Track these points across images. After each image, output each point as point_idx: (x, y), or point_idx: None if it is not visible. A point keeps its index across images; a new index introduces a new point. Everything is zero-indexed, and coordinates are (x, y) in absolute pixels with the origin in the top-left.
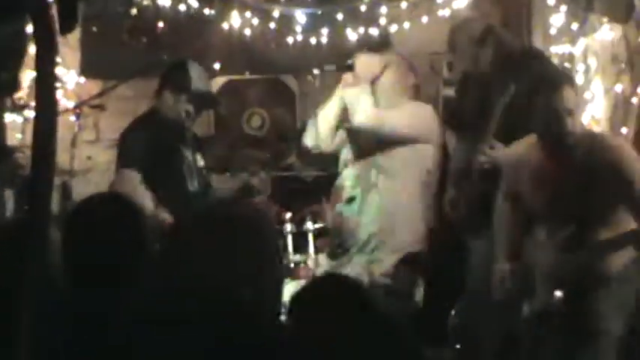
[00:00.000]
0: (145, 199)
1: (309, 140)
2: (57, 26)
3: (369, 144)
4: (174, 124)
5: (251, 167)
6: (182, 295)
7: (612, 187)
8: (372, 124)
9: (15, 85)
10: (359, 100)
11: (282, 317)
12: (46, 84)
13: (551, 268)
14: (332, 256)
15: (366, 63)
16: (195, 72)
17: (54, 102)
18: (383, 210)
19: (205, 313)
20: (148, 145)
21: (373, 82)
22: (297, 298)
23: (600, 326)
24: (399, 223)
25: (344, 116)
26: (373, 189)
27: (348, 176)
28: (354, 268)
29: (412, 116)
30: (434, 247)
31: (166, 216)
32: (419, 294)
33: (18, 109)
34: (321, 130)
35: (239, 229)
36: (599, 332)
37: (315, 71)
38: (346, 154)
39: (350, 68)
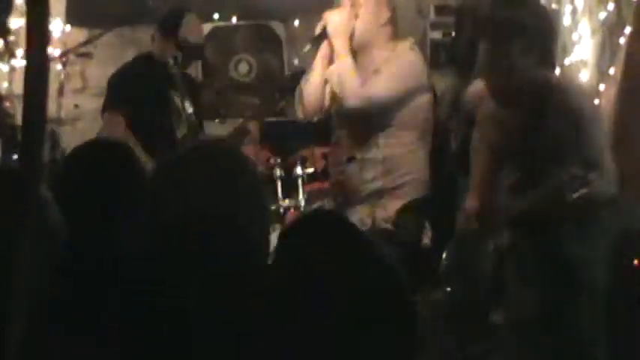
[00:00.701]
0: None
1: (300, 113)
2: None
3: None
4: (164, 69)
5: (246, 112)
6: (167, 237)
7: (560, 137)
8: (362, 108)
9: (2, 32)
10: (342, 79)
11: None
12: (36, 30)
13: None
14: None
15: (336, 23)
16: (188, 22)
17: (45, 49)
18: (385, 165)
19: (187, 256)
20: (136, 87)
21: (350, 40)
22: (284, 233)
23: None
24: (401, 175)
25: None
26: (373, 147)
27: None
28: (356, 215)
29: (401, 80)
30: (437, 192)
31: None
32: (426, 239)
33: (5, 56)
34: (308, 104)
35: (217, 170)
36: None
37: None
38: None
39: (320, 39)
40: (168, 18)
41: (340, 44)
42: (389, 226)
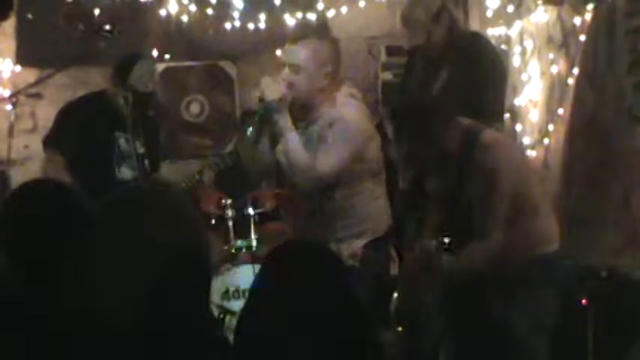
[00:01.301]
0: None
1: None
2: None
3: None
4: (113, 109)
5: (207, 154)
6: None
7: (475, 187)
8: (315, 185)
9: None
10: (290, 160)
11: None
12: None
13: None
14: None
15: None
16: (140, 68)
17: None
18: (345, 216)
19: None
20: (79, 126)
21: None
22: (269, 258)
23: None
24: (363, 221)
25: None
26: (330, 201)
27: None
28: None
29: (349, 143)
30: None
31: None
32: (394, 268)
33: None
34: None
35: (150, 217)
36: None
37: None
38: None
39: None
40: (121, 62)
41: (285, 118)
42: (355, 263)
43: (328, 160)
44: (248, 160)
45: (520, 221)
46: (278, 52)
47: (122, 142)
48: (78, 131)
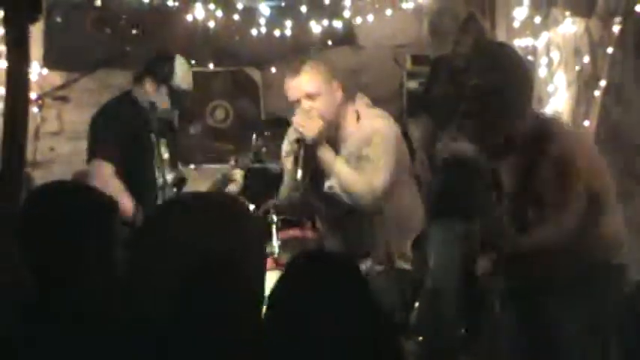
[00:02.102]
0: (121, 193)
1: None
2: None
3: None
4: (146, 113)
5: (230, 159)
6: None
7: (546, 172)
8: (377, 203)
9: None
10: (347, 186)
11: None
12: (17, 77)
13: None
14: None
15: (313, 134)
16: (180, 68)
17: (26, 94)
18: (392, 224)
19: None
20: (122, 133)
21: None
22: (290, 266)
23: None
24: (408, 222)
25: None
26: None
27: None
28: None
29: (389, 155)
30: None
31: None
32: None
33: None
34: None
35: (221, 220)
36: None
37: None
38: None
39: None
40: (160, 65)
41: (326, 154)
42: (407, 266)
43: (381, 177)
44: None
45: (591, 216)
46: (288, 84)
47: (161, 146)
48: (121, 139)
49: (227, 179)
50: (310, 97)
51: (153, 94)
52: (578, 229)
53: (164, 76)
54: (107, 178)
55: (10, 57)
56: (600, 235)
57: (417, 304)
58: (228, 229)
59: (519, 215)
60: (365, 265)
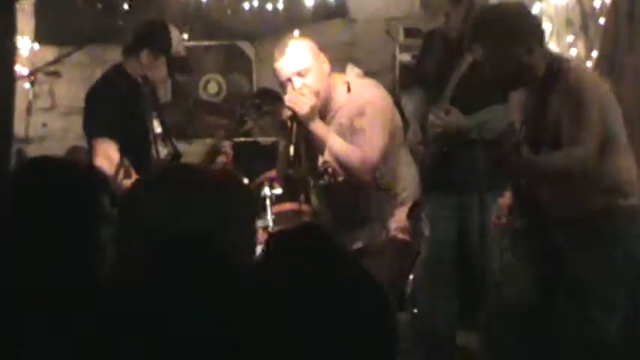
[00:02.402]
0: (128, 170)
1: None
2: None
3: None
4: (138, 88)
5: (217, 133)
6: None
7: (563, 100)
8: (372, 173)
9: None
10: (342, 158)
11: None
12: (3, 50)
13: None
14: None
15: (305, 109)
16: (174, 35)
17: (12, 68)
18: (390, 192)
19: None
20: (117, 108)
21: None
22: (272, 242)
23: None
24: (404, 190)
25: None
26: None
27: None
28: (366, 228)
29: (382, 123)
30: None
31: None
32: (427, 231)
33: None
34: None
35: (203, 194)
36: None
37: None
38: None
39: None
40: (157, 34)
41: (319, 129)
42: (406, 236)
43: (375, 147)
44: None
45: (605, 151)
46: (276, 66)
47: (154, 121)
48: (121, 116)
49: (216, 151)
50: (300, 74)
51: (150, 65)
52: (593, 159)
53: (162, 46)
54: (113, 156)
55: None
56: (614, 173)
57: (411, 276)
58: (211, 204)
59: (535, 148)
60: (363, 239)
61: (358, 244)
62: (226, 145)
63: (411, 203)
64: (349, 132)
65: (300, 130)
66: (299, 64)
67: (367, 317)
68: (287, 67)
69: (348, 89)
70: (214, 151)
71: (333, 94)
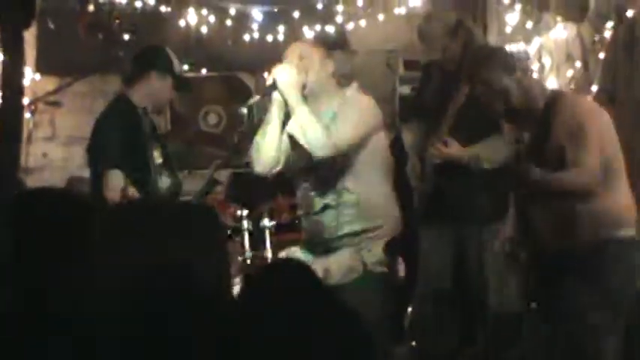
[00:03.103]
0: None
1: (258, 167)
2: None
3: (330, 172)
4: (141, 117)
5: (215, 162)
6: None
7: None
8: (331, 155)
9: None
10: (305, 130)
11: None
12: (12, 82)
13: None
14: (310, 250)
15: (286, 77)
16: (173, 56)
17: (20, 98)
18: (361, 207)
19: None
20: (125, 139)
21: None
22: (250, 280)
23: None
24: (378, 216)
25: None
26: (345, 192)
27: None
28: (342, 258)
29: (361, 122)
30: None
31: None
32: (401, 271)
33: None
34: (266, 157)
35: (175, 224)
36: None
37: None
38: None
39: (271, 90)
40: (158, 55)
41: (294, 97)
42: (384, 269)
43: (344, 131)
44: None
45: (605, 179)
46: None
47: (155, 152)
48: (129, 148)
49: (213, 181)
50: (301, 57)
51: (161, 87)
52: (596, 182)
53: (167, 65)
54: (123, 187)
55: (4, 61)
56: (611, 204)
57: (409, 309)
58: (178, 238)
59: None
60: (338, 270)
61: (334, 278)
62: (221, 175)
63: (389, 237)
64: (329, 122)
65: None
66: (303, 51)
67: (345, 348)
68: (291, 51)
69: (344, 94)
70: (213, 181)
71: (328, 98)
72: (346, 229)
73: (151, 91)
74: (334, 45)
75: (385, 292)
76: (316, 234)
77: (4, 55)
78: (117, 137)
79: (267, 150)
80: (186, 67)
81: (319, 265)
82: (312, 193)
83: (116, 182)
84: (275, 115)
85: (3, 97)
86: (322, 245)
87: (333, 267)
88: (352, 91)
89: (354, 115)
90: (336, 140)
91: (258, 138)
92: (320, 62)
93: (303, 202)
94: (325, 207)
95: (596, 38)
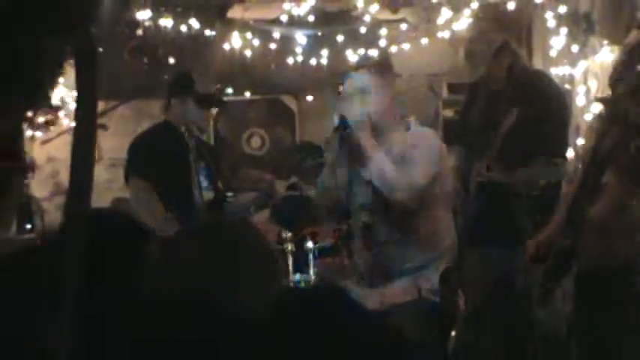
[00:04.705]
0: (156, 208)
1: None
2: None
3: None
4: (182, 136)
5: (261, 184)
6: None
7: None
8: (410, 198)
9: (45, 102)
10: (383, 175)
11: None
12: (87, 104)
13: None
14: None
15: (358, 118)
16: (197, 78)
17: (94, 121)
18: (423, 244)
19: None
20: (158, 152)
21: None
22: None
23: None
24: (438, 249)
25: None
26: (410, 229)
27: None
28: (398, 283)
29: (433, 162)
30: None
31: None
32: (462, 304)
33: (42, 125)
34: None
35: (225, 247)
36: None
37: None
38: None
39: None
40: (178, 79)
41: (370, 142)
42: (436, 298)
43: (421, 174)
44: (330, 185)
45: None
46: (341, 84)
47: (200, 167)
48: (157, 158)
49: (262, 200)
50: (362, 91)
51: (183, 110)
52: None
53: (185, 88)
54: (145, 194)
55: (79, 81)
56: None
57: (453, 333)
58: (215, 259)
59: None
60: (392, 294)
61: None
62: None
63: (441, 260)
64: (399, 162)
65: (344, 144)
66: (365, 82)
67: None
68: (354, 81)
69: (408, 129)
70: (262, 200)
71: (392, 125)
72: (408, 264)
73: (179, 114)
74: (387, 67)
75: (435, 321)
76: (375, 267)
77: (80, 76)
78: (146, 149)
79: (328, 197)
80: (230, 90)
81: (375, 291)
82: (377, 228)
83: (135, 187)
84: (344, 157)
85: (78, 120)
86: (380, 278)
87: (388, 291)
88: (413, 125)
89: (426, 153)
90: (418, 184)
91: (326, 180)
92: (382, 91)
93: (362, 235)
94: (390, 242)
95: None
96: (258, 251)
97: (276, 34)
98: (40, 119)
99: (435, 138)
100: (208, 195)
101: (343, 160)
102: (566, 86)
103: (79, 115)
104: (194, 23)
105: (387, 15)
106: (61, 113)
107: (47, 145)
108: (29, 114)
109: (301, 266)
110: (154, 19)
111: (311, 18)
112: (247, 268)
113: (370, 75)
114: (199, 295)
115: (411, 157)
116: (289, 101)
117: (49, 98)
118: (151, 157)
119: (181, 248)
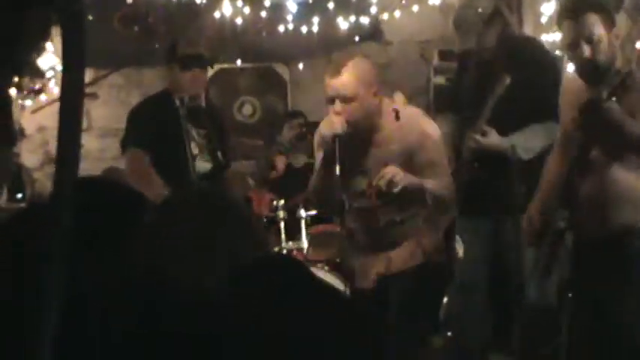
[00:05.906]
0: (153, 179)
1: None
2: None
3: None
4: (182, 105)
5: (256, 153)
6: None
7: None
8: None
9: (31, 69)
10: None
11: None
12: (74, 70)
13: None
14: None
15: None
16: (183, 44)
17: (82, 87)
18: (426, 215)
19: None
20: (156, 123)
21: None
22: (239, 276)
23: None
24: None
25: None
26: (417, 211)
27: None
28: (402, 247)
29: (444, 156)
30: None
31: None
32: (461, 251)
33: (32, 94)
34: (319, 200)
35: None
36: None
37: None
38: None
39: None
40: (167, 52)
41: (412, 179)
42: (442, 256)
43: (449, 179)
44: (318, 187)
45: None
46: (326, 84)
47: (195, 135)
48: (155, 129)
49: (269, 165)
50: (345, 100)
51: (172, 77)
52: None
53: (170, 54)
54: (142, 165)
55: (65, 50)
56: None
57: (445, 299)
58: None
59: None
60: (398, 258)
61: (396, 267)
62: (279, 160)
63: (448, 223)
64: (406, 160)
65: (342, 149)
66: (347, 90)
67: (348, 343)
68: (335, 88)
69: (397, 117)
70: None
71: (381, 120)
72: (410, 233)
73: (172, 83)
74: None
75: (439, 282)
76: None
77: (66, 45)
78: (142, 120)
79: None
80: (221, 58)
81: (381, 257)
82: (377, 213)
83: (134, 160)
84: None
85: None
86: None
87: (394, 256)
88: (403, 111)
89: (443, 156)
90: (450, 186)
91: (311, 184)
92: (363, 93)
93: (358, 217)
94: (391, 223)
95: (633, 29)
96: (236, 221)
97: (267, 2)
98: (30, 87)
99: (433, 129)
100: (206, 165)
101: (336, 157)
102: (557, 52)
103: (65, 81)
104: None
105: None
106: (51, 82)
107: (37, 113)
108: (15, 80)
109: (294, 233)
110: None
111: None
112: (224, 237)
113: (348, 79)
114: (175, 267)
115: (429, 162)
116: (280, 69)
117: (34, 64)
118: (151, 127)
119: (160, 220)
